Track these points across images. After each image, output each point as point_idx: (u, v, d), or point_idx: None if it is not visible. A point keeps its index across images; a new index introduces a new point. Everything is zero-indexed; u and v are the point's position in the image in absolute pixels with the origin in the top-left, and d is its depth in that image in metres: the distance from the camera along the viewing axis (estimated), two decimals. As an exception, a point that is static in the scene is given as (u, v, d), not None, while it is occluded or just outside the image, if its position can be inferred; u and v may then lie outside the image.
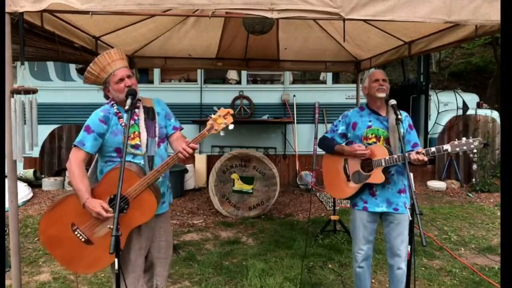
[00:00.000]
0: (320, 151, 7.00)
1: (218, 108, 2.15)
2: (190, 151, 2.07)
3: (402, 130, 2.50)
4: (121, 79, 2.17)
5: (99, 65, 2.17)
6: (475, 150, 6.83)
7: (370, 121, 2.72)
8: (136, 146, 2.20)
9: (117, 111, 2.22)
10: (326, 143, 2.87)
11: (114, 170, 2.10)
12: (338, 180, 2.79)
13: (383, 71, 2.80)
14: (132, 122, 2.20)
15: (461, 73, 11.63)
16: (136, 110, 2.25)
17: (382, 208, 2.65)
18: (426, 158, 2.43)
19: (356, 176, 2.69)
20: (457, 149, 2.41)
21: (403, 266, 2.54)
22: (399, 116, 2.49)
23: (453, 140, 2.44)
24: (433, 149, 2.44)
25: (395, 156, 2.52)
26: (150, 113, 2.30)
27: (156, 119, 2.30)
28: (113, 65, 2.18)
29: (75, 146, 2.15)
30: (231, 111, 2.12)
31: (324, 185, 2.96)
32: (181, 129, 2.42)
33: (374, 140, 2.67)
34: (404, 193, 2.65)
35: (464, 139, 2.42)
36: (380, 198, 2.65)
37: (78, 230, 2.11)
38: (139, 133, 2.22)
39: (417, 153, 2.43)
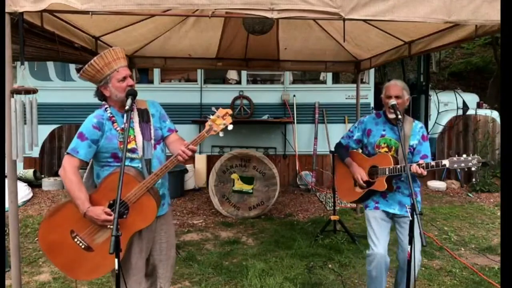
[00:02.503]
0: (320, 151, 7.12)
1: (217, 108, 2.09)
2: (189, 153, 2.03)
3: (400, 136, 2.49)
4: (125, 78, 2.14)
5: (104, 60, 2.10)
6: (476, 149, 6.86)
7: (384, 130, 2.77)
8: (133, 150, 2.15)
9: (111, 116, 2.17)
10: (340, 152, 3.01)
11: (113, 175, 2.07)
12: (347, 184, 2.96)
13: (400, 82, 2.71)
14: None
15: (461, 73, 11.62)
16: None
17: (395, 210, 2.71)
18: (425, 172, 2.47)
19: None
20: (455, 165, 2.43)
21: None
22: (399, 116, 2.50)
23: (452, 156, 2.48)
24: (432, 163, 2.48)
25: (398, 166, 2.59)
26: (144, 115, 2.25)
27: (151, 121, 2.26)
28: (118, 62, 2.14)
29: (68, 153, 2.10)
30: (230, 111, 2.07)
31: (336, 188, 3.16)
32: (176, 131, 2.38)
33: (386, 149, 2.74)
34: (416, 196, 2.65)
35: (464, 156, 2.43)
36: (391, 201, 2.74)
37: (77, 237, 2.08)
38: (135, 136, 2.17)
39: (418, 165, 2.48)
